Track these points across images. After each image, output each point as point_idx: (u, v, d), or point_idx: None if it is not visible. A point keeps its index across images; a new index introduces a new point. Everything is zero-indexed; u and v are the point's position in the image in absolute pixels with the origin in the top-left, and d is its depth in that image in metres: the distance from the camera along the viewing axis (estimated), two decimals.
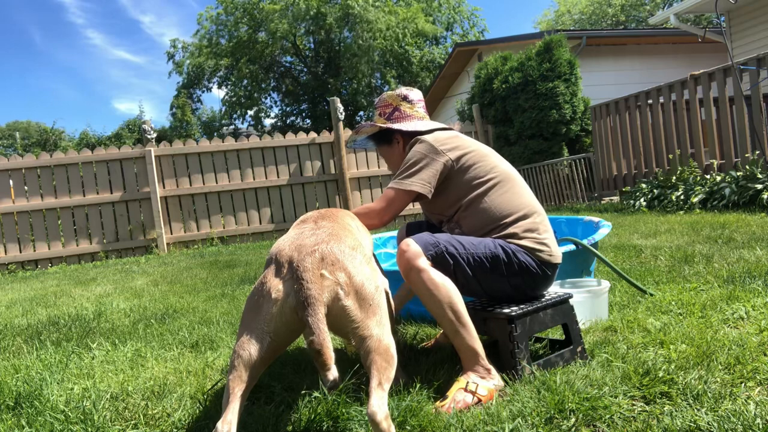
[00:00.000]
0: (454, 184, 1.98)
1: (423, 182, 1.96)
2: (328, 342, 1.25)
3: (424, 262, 1.76)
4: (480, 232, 1.93)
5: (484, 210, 1.93)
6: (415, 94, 2.20)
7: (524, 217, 1.93)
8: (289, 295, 1.35)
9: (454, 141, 2.02)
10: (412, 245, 1.78)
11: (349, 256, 1.44)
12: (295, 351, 2.24)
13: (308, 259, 1.38)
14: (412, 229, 2.18)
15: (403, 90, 2.20)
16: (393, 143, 2.18)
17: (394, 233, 3.64)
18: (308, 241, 1.45)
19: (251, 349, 1.36)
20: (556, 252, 1.95)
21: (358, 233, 1.69)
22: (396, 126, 2.13)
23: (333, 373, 1.67)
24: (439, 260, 1.79)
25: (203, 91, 25.08)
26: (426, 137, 2.03)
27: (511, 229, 1.90)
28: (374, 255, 1.92)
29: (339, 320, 1.39)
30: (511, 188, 1.96)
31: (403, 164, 2.02)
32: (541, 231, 1.93)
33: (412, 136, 2.12)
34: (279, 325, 1.36)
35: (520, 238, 1.89)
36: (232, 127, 25.02)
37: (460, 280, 1.81)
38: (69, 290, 4.69)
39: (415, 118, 2.16)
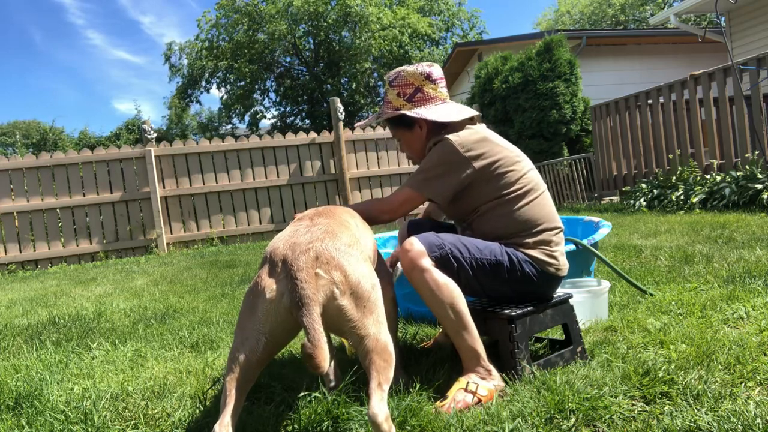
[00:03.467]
0: (476, 191, 1.90)
1: (440, 190, 1.88)
2: (324, 343, 1.23)
3: (427, 262, 1.74)
4: (490, 237, 1.90)
5: (501, 219, 1.88)
6: (437, 70, 2.00)
7: (541, 231, 1.88)
8: (283, 294, 1.33)
9: (483, 146, 1.87)
10: (416, 244, 1.77)
11: (344, 253, 1.41)
12: (296, 351, 2.24)
13: (302, 258, 1.35)
14: (414, 227, 2.16)
15: (425, 67, 1.98)
16: (414, 128, 2.00)
17: (395, 233, 3.64)
18: (302, 239, 1.41)
19: (247, 350, 1.34)
20: (563, 266, 1.92)
21: (357, 230, 1.66)
22: (422, 113, 1.94)
23: (330, 374, 1.66)
24: (443, 262, 1.77)
25: (202, 92, 25.09)
26: (452, 138, 1.87)
27: (522, 239, 1.87)
28: (379, 253, 1.91)
29: (335, 320, 1.36)
30: (534, 199, 1.89)
31: (425, 163, 1.92)
32: (553, 244, 1.89)
33: (438, 126, 1.97)
34: (274, 325, 1.34)
35: (530, 248, 1.86)
36: (229, 127, 25.00)
37: (462, 282, 1.80)
38: (69, 290, 4.69)
39: (439, 100, 1.98)
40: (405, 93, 1.98)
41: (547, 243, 1.89)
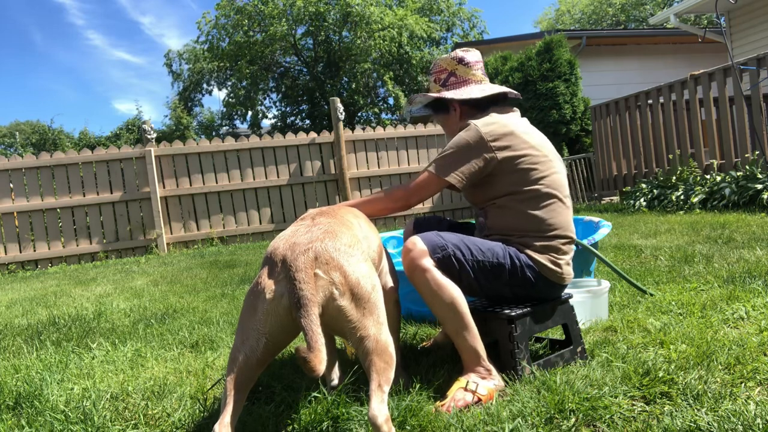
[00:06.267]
0: (495, 181, 1.88)
1: (460, 175, 1.85)
2: (320, 344, 1.22)
3: (428, 262, 1.74)
4: (501, 233, 1.90)
5: (515, 215, 1.87)
6: (472, 55, 2.05)
7: (552, 237, 1.86)
8: (282, 295, 1.32)
9: (510, 139, 1.86)
10: (418, 244, 1.76)
11: (344, 253, 1.41)
12: (294, 352, 2.24)
13: (301, 258, 1.34)
14: (420, 225, 2.15)
15: (459, 52, 2.05)
16: (450, 111, 2.05)
17: (395, 233, 3.64)
18: (302, 239, 1.41)
19: (247, 350, 1.34)
20: (567, 275, 1.89)
21: (359, 230, 1.65)
22: (449, 95, 1.99)
23: (331, 374, 1.66)
24: (445, 263, 1.77)
25: (203, 94, 25.08)
26: (479, 124, 1.87)
27: (530, 240, 1.85)
28: (386, 252, 1.91)
29: (335, 321, 1.36)
30: (551, 204, 1.86)
31: (447, 147, 1.89)
32: (561, 253, 1.87)
33: (469, 105, 2.00)
34: (274, 326, 1.34)
35: (537, 251, 1.84)
36: (229, 128, 24.97)
37: (463, 282, 1.80)
38: (69, 290, 4.69)
39: (473, 81, 2.02)
40: (440, 79, 2.06)
41: (555, 250, 1.86)
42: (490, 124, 1.88)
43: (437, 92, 2.05)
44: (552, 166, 1.90)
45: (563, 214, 1.89)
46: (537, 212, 1.85)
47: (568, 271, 1.90)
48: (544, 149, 1.92)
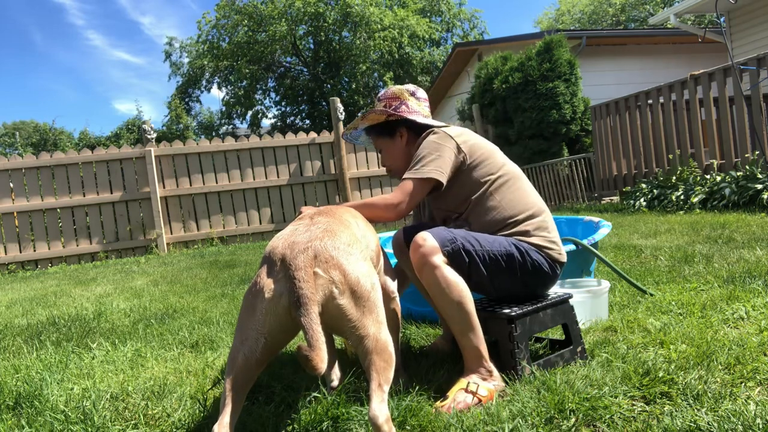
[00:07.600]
0: (465, 179, 1.94)
1: (440, 170, 1.89)
2: (321, 343, 1.22)
3: (439, 259, 1.73)
4: (491, 230, 1.91)
5: (494, 207, 1.92)
6: (422, 93, 2.17)
7: (534, 215, 1.93)
8: (282, 294, 1.32)
9: (466, 135, 2.00)
10: (428, 239, 1.75)
11: (344, 252, 1.40)
12: (295, 350, 2.24)
13: (301, 257, 1.34)
14: (410, 232, 2.14)
15: (411, 87, 2.16)
16: (395, 136, 2.10)
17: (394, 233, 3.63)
18: (301, 238, 1.41)
19: (246, 350, 1.33)
20: (563, 250, 1.98)
21: (357, 229, 1.64)
22: (412, 117, 2.07)
23: (331, 374, 1.65)
24: (455, 256, 1.77)
25: (202, 92, 25.09)
26: (440, 129, 2.00)
27: (522, 227, 1.90)
28: (384, 252, 1.90)
29: (335, 320, 1.36)
30: (520, 186, 1.96)
31: (418, 154, 1.95)
32: (550, 229, 1.95)
33: (417, 131, 2.08)
34: (273, 325, 1.33)
35: (531, 236, 1.90)
36: (229, 127, 24.97)
37: (473, 278, 1.80)
38: (69, 290, 4.69)
39: (421, 114, 2.11)
40: (391, 104, 2.12)
41: (545, 228, 1.94)
42: (449, 127, 2.02)
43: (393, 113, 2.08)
44: (502, 156, 2.04)
45: (532, 194, 2.00)
46: (515, 194, 1.94)
47: (562, 246, 1.99)
48: (490, 144, 2.06)
